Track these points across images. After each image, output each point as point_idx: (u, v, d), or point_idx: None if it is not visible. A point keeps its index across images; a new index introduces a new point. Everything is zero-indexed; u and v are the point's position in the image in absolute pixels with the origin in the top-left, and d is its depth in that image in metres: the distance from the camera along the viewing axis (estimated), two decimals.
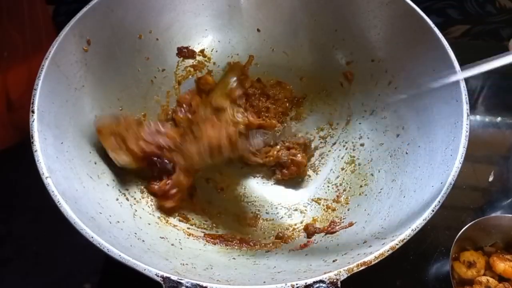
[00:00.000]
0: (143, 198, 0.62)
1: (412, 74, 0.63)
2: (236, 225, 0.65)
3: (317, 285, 0.42)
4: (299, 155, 0.68)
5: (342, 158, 0.70)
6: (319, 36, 0.72)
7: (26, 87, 0.62)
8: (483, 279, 0.62)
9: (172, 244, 0.55)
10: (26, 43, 0.68)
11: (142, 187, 0.63)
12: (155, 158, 0.60)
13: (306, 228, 0.62)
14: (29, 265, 0.65)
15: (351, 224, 0.59)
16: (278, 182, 0.70)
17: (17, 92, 0.69)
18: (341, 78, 0.72)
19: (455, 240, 0.61)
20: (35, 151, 0.48)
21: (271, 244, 0.61)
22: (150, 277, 0.42)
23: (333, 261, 0.49)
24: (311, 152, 0.71)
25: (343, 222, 0.61)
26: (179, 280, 0.41)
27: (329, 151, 0.72)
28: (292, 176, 0.68)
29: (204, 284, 0.41)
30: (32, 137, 0.49)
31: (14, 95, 0.69)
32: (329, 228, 0.60)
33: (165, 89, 0.71)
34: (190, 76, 0.73)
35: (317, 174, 0.70)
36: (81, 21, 0.58)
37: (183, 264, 0.50)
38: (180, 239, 0.58)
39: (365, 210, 0.60)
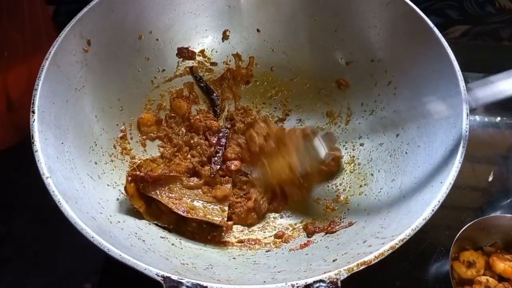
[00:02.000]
0: None
1: (412, 74, 0.63)
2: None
3: (317, 284, 0.42)
4: None
5: (341, 158, 0.70)
6: (319, 36, 0.72)
7: (26, 87, 0.62)
8: (483, 279, 0.62)
9: (173, 244, 0.55)
10: (26, 43, 0.68)
11: None
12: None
13: (306, 228, 0.62)
14: (29, 265, 0.65)
15: (351, 224, 0.59)
16: None
17: (17, 92, 0.69)
18: (336, 84, 0.73)
19: (455, 240, 0.61)
20: (36, 151, 0.48)
21: (271, 244, 0.61)
22: (150, 277, 0.42)
23: (333, 260, 0.49)
24: None
25: (343, 221, 0.61)
26: (180, 280, 0.41)
27: None
28: None
29: (205, 284, 0.41)
30: (32, 138, 0.49)
31: (14, 95, 0.69)
32: (329, 228, 0.60)
33: (165, 89, 0.72)
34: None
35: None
36: (81, 22, 0.58)
37: (184, 264, 0.50)
38: (180, 239, 0.58)
39: (365, 209, 0.61)
